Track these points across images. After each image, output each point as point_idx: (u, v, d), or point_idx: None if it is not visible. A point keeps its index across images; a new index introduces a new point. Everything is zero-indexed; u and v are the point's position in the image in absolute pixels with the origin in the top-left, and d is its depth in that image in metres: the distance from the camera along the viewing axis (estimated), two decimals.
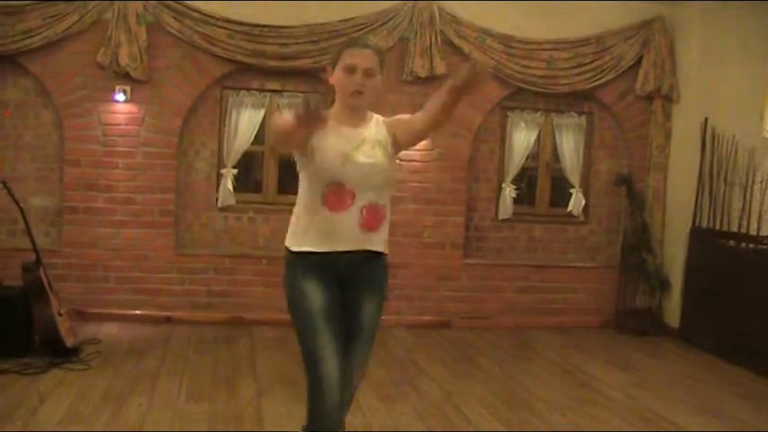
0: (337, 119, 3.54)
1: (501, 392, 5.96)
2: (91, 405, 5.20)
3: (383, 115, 3.68)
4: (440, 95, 3.33)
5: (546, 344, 7.76)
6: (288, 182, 8.12)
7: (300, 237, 3.50)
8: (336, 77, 3.54)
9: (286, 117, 3.20)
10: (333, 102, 3.62)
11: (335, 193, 3.43)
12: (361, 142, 3.50)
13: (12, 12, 7.36)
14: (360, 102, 3.52)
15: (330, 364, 3.34)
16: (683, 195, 8.26)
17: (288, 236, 3.56)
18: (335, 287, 3.48)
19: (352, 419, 5.08)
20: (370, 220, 3.48)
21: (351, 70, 3.47)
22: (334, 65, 3.55)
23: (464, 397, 5.79)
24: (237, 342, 7.16)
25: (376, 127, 3.60)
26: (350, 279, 3.52)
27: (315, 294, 3.43)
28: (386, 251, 3.59)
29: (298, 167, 3.57)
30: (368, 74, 3.48)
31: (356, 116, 3.56)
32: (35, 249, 6.45)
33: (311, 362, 3.38)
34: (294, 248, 3.50)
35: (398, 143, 3.60)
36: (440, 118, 3.42)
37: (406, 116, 3.68)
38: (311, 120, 3.07)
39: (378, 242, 3.53)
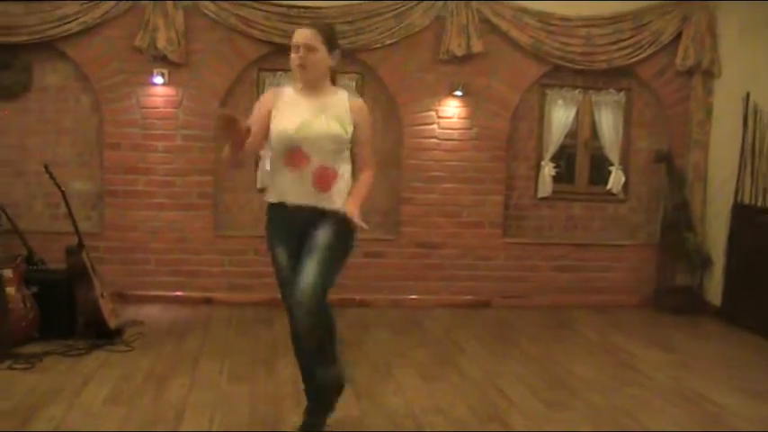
0: (300, 92, 4.19)
1: (541, 372, 5.95)
2: (134, 386, 5.25)
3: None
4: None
5: (585, 323, 7.72)
6: None
7: (269, 190, 4.26)
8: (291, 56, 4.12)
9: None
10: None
11: (292, 155, 4.09)
12: (318, 113, 4.11)
13: None
14: (304, 75, 4.11)
15: (290, 289, 4.08)
16: (725, 172, 8.16)
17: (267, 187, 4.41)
18: (295, 237, 4.12)
19: (392, 400, 5.12)
20: (321, 182, 4.10)
21: (295, 49, 4.07)
22: None
23: (504, 377, 5.78)
24: (277, 323, 7.18)
25: (338, 102, 4.18)
26: (308, 228, 4.11)
27: (282, 252, 4.17)
28: (341, 209, 4.09)
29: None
30: (309, 49, 4.05)
31: (315, 89, 4.17)
32: (77, 233, 6.54)
33: (281, 291, 4.21)
34: (267, 199, 4.26)
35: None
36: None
37: (363, 131, 4.22)
38: (228, 130, 3.77)
39: (330, 201, 4.11)
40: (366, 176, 4.26)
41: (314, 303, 3.99)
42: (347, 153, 4.21)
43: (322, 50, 4.08)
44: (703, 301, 8.34)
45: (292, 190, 4.11)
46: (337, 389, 4.41)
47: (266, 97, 4.29)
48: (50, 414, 4.63)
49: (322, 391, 4.37)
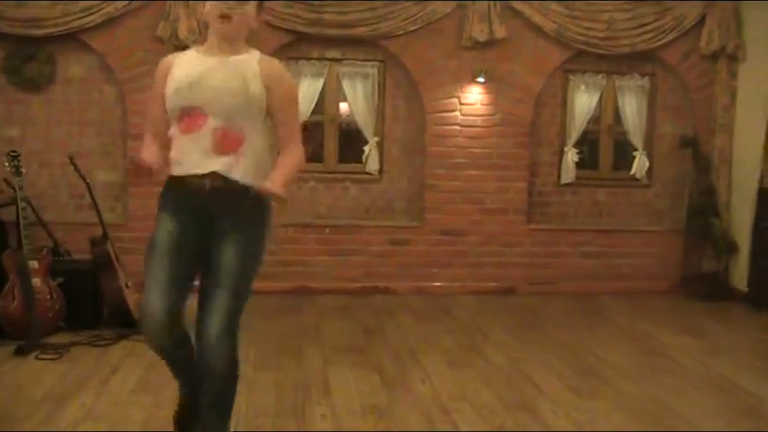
0: (204, 50, 3.45)
1: (568, 359, 5.91)
2: (161, 375, 5.24)
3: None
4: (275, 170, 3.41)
5: (612, 309, 7.68)
6: (349, 151, 8.13)
7: (171, 163, 3.49)
8: (207, 7, 3.37)
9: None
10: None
11: (187, 116, 3.34)
12: (217, 67, 3.36)
13: None
14: (229, 28, 3.35)
15: (154, 297, 3.42)
16: (751, 156, 8.08)
17: None
18: (195, 222, 3.45)
19: (420, 387, 5.10)
20: (222, 144, 3.33)
21: None
22: None
23: (531, 364, 5.75)
24: (303, 311, 7.20)
25: (247, 61, 3.40)
26: (215, 214, 3.42)
27: (166, 228, 3.50)
28: (251, 183, 3.35)
29: None
30: (240, 2, 3.33)
31: (224, 48, 3.40)
32: (102, 223, 6.56)
33: (145, 290, 3.44)
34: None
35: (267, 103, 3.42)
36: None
37: (278, 99, 3.43)
38: (141, 174, 3.39)
39: (234, 169, 3.36)
40: (289, 155, 3.50)
41: (221, 353, 3.61)
42: (264, 127, 3.47)
43: (251, 6, 3.37)
44: (729, 286, 8.27)
45: (188, 156, 3.38)
46: None
47: (160, 69, 3.51)
48: (80, 402, 4.65)
49: None
